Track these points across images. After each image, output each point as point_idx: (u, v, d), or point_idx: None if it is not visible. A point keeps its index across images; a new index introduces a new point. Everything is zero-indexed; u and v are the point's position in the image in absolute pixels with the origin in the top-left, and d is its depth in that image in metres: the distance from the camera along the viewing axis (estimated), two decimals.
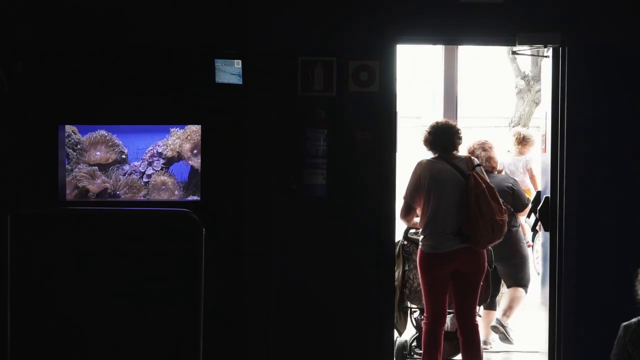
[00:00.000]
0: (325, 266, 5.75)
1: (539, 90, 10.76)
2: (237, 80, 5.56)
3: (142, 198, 5.90)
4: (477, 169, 5.64)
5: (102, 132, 5.92)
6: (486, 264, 5.72)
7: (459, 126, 5.89)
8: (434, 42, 6.14)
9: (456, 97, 7.02)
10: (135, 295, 5.57)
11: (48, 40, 5.61)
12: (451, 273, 5.62)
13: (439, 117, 7.08)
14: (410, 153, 6.90)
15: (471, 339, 5.71)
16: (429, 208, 5.60)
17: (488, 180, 5.64)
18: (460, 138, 5.78)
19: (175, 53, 5.61)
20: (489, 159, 6.91)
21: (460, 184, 5.55)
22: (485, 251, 5.68)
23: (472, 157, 5.80)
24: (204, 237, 5.02)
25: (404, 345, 6.14)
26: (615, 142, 5.73)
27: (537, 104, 11.14)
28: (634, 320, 4.18)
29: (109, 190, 5.91)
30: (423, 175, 5.64)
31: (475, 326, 5.73)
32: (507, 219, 5.62)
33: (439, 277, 5.61)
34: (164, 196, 5.90)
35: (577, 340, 5.75)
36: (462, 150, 6.21)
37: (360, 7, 5.73)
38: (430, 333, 5.68)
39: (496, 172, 6.99)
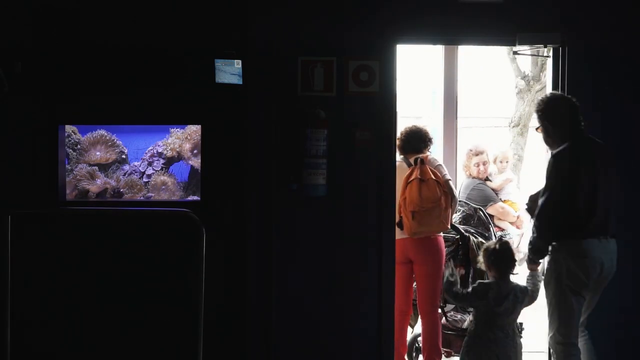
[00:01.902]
0: (326, 266, 5.75)
1: (539, 90, 10.76)
2: (237, 80, 5.56)
3: (142, 198, 5.90)
4: (429, 164, 5.98)
5: (102, 132, 5.92)
6: (438, 255, 5.98)
7: (427, 129, 6.21)
8: (434, 42, 6.14)
9: (456, 97, 7.02)
10: (135, 295, 5.57)
11: (48, 40, 5.61)
12: (410, 263, 5.98)
13: (438, 117, 7.11)
14: None
15: (427, 329, 5.99)
16: None
17: (430, 173, 5.90)
18: (428, 140, 6.13)
19: (175, 53, 5.61)
20: (466, 166, 7.00)
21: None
22: (435, 242, 5.95)
23: (428, 156, 6.09)
24: (204, 237, 5.02)
25: (415, 339, 6.28)
26: (616, 141, 5.72)
27: None
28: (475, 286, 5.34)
29: (109, 191, 5.91)
30: None
31: (434, 317, 6.01)
32: (435, 207, 5.83)
33: (399, 265, 5.90)
34: (164, 196, 5.90)
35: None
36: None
37: (360, 7, 5.73)
38: (398, 323, 5.94)
39: (477, 180, 6.99)
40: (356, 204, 5.75)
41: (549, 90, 5.96)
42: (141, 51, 5.61)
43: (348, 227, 5.75)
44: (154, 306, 5.57)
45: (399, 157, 6.18)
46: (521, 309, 5.34)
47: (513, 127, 11.33)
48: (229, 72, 5.55)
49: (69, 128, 5.84)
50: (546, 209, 5.05)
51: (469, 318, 6.19)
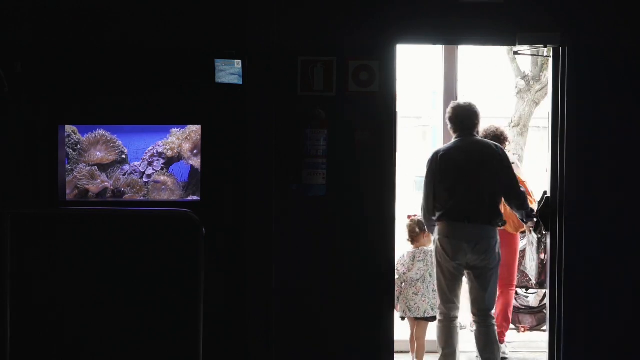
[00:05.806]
0: (325, 265, 5.75)
1: (539, 90, 10.77)
2: (237, 80, 5.56)
3: (142, 198, 5.90)
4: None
5: (102, 132, 5.92)
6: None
7: (503, 129, 6.75)
8: (434, 42, 6.14)
9: (456, 97, 7.01)
10: (135, 295, 5.57)
11: (48, 40, 5.61)
12: None
13: (438, 117, 7.10)
14: (410, 153, 6.92)
15: (504, 302, 6.66)
16: None
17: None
18: (503, 140, 6.62)
19: (175, 53, 5.61)
20: None
21: None
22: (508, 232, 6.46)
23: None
24: (204, 237, 5.02)
25: None
26: (615, 141, 5.73)
27: (537, 104, 11.13)
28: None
29: (109, 191, 5.91)
30: None
31: (508, 292, 6.69)
32: None
33: None
34: (164, 196, 5.90)
35: (579, 340, 5.75)
36: None
37: (360, 6, 5.73)
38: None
39: None
40: (356, 204, 5.75)
41: (549, 90, 5.97)
42: (141, 51, 5.61)
43: (348, 227, 5.76)
44: (154, 306, 5.57)
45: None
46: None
47: (513, 127, 11.33)
48: (229, 72, 5.55)
49: (69, 128, 5.84)
50: (424, 192, 5.87)
51: (533, 297, 6.90)
